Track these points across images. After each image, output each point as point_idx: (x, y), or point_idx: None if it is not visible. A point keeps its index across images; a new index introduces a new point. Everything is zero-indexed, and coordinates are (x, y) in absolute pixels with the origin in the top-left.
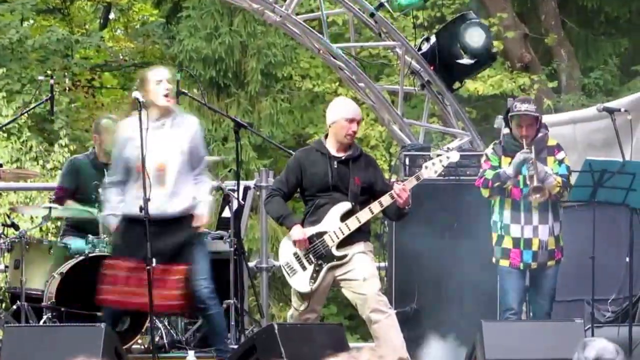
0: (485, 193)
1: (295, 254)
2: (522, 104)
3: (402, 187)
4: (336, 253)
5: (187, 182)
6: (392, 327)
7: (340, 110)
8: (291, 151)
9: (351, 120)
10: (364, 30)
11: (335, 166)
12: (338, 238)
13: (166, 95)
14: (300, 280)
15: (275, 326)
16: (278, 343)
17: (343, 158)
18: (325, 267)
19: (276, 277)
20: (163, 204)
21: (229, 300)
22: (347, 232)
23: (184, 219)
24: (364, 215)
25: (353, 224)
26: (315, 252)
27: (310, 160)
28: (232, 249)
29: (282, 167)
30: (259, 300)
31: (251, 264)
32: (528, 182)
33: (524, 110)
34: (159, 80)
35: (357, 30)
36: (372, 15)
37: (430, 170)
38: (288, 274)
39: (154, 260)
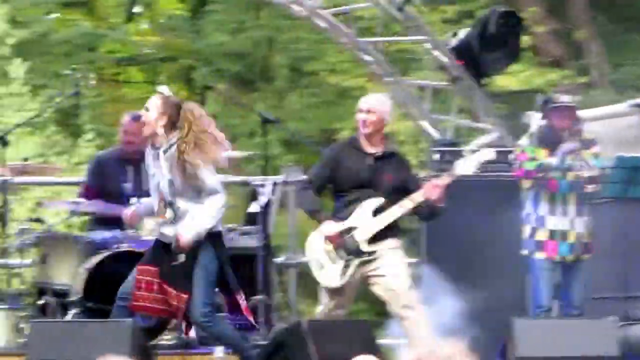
0: (526, 184)
1: (324, 249)
2: (564, 95)
3: (434, 184)
4: (366, 249)
5: (190, 209)
6: (423, 323)
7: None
8: (319, 146)
9: (360, 111)
10: (392, 24)
11: (369, 163)
12: (369, 234)
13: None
14: (329, 276)
15: (304, 323)
16: (306, 339)
17: (377, 155)
18: (354, 263)
19: (305, 273)
20: (168, 231)
21: (257, 297)
22: (377, 228)
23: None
24: (396, 211)
25: (384, 220)
26: (345, 247)
27: (344, 155)
28: (260, 245)
29: (310, 163)
30: (288, 296)
31: (279, 260)
32: (578, 174)
33: (567, 102)
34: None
35: (385, 24)
36: (400, 9)
37: (464, 167)
38: (317, 270)
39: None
